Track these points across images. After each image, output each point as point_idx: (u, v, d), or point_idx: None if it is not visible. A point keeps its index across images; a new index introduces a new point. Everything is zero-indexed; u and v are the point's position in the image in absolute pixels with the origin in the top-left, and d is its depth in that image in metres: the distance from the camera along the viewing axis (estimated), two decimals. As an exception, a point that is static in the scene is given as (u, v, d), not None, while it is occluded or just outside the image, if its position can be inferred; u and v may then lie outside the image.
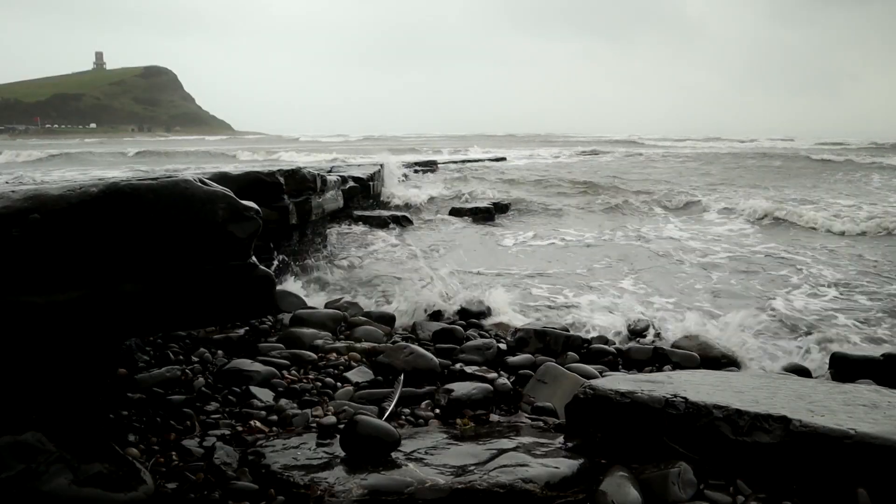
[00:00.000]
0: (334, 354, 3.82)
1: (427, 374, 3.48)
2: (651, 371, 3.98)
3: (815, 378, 3.90)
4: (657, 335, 4.74)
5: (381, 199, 11.88)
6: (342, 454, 2.48)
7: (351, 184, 9.82)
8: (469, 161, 21.10)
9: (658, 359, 4.21)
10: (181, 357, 3.56)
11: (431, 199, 12.46)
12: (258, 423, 2.86)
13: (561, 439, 2.73)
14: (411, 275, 6.51)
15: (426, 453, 2.52)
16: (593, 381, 2.93)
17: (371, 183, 10.90)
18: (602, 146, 38.56)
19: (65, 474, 2.03)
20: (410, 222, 10.25)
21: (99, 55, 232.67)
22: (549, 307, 5.76)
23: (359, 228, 9.26)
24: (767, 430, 2.34)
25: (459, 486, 2.23)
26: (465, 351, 3.93)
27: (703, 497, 2.28)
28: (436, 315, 5.15)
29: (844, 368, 3.98)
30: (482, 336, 4.45)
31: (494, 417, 3.08)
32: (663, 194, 13.64)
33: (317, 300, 5.64)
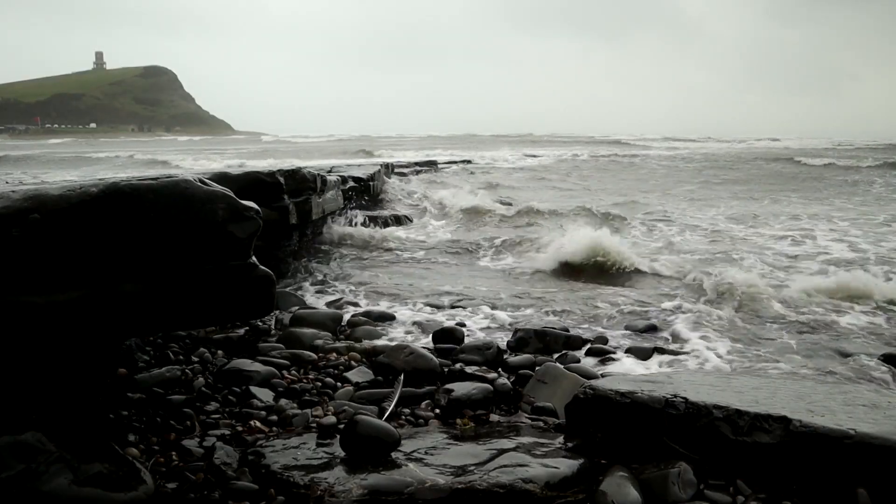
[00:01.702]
0: (334, 354, 3.83)
1: (427, 374, 3.47)
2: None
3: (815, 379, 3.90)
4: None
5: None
6: (342, 454, 2.48)
7: (351, 184, 9.83)
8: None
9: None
10: (181, 357, 3.56)
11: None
12: (258, 423, 2.86)
13: (561, 439, 2.73)
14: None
15: (426, 453, 2.52)
16: (593, 382, 2.93)
17: (371, 183, 10.91)
18: (582, 147, 38.53)
19: (65, 474, 2.03)
20: (410, 221, 10.27)
21: (99, 55, 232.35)
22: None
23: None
24: (767, 430, 2.34)
25: (459, 486, 2.23)
26: (465, 351, 3.93)
27: (703, 497, 2.29)
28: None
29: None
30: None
31: (494, 417, 3.08)
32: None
33: (316, 300, 5.65)
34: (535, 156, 29.17)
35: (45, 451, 2.06)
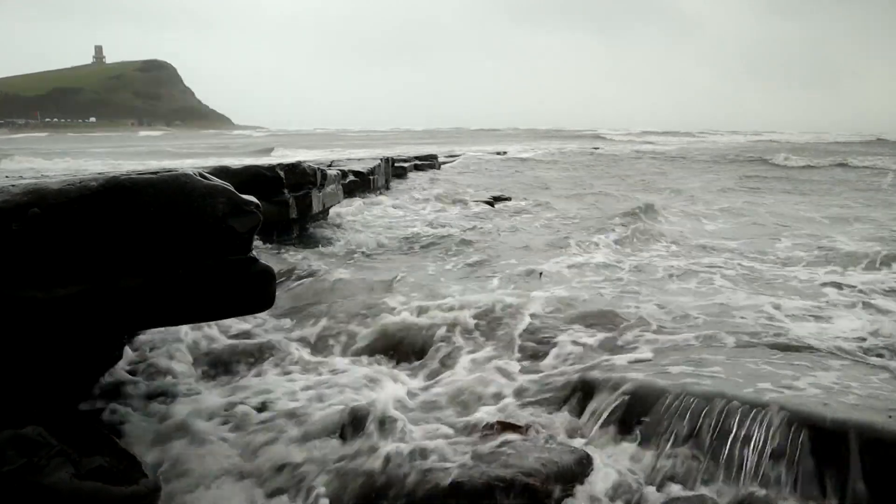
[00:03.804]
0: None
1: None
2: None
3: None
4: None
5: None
6: (343, 448, 2.48)
7: (351, 178, 9.80)
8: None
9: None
10: (182, 351, 3.55)
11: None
12: (259, 417, 2.86)
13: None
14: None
15: (426, 447, 2.52)
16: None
17: (371, 177, 10.88)
18: (552, 141, 37.64)
19: (66, 468, 2.03)
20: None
21: (98, 49, 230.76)
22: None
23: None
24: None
25: (460, 480, 2.23)
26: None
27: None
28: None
29: None
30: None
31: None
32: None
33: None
34: (502, 152, 27.44)
35: (46, 445, 2.06)
